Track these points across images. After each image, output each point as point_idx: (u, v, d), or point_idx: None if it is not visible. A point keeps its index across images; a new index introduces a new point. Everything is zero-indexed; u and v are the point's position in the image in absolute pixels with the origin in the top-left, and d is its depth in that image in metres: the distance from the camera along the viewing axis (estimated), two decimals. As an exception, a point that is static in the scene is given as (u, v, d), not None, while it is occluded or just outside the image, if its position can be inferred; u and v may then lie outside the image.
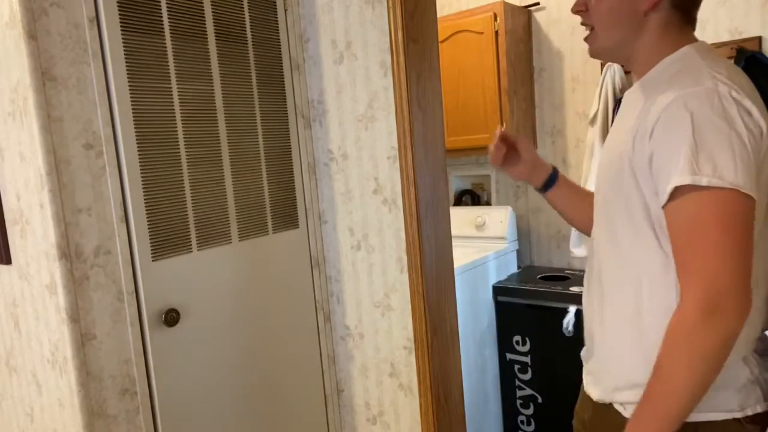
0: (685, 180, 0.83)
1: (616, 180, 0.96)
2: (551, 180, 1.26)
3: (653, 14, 0.96)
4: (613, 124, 1.06)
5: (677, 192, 0.85)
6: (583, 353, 1.16)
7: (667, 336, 0.87)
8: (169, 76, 1.52)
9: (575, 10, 1.05)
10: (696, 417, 0.91)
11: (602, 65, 2.43)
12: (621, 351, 1.00)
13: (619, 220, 0.97)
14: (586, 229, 1.25)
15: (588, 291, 1.11)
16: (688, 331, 0.84)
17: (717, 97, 0.84)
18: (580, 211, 1.25)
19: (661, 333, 0.89)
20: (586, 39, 1.06)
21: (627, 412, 0.98)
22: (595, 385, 1.08)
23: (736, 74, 0.89)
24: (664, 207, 0.88)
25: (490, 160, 1.26)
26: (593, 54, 1.06)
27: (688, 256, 0.85)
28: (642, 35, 0.98)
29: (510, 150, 1.27)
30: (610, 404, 1.03)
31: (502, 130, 1.24)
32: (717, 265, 0.83)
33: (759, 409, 0.93)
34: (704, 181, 0.82)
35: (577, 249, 2.49)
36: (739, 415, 0.92)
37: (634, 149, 0.91)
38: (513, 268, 2.76)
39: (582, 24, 1.06)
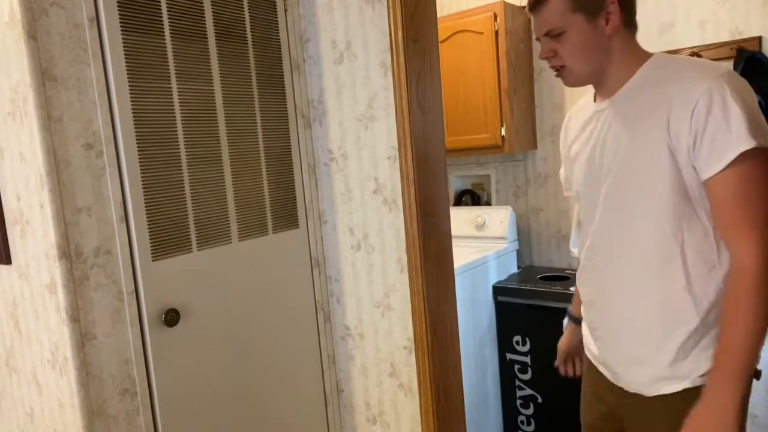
0: (749, 144, 0.96)
1: (648, 167, 1.06)
2: (579, 320, 1.44)
3: (615, 36, 1.10)
4: (610, 130, 1.14)
5: (738, 158, 0.97)
6: (600, 348, 1.25)
7: (737, 286, 1.00)
8: (169, 76, 1.52)
9: (543, 57, 1.15)
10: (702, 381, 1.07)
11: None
12: (671, 326, 1.09)
13: (655, 202, 1.07)
14: None
15: (612, 283, 1.17)
16: (758, 278, 0.97)
17: (738, 78, 1.01)
18: None
19: (710, 296, 1.05)
20: (558, 75, 1.17)
21: (681, 384, 1.09)
22: (633, 373, 1.16)
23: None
24: (715, 176, 1.00)
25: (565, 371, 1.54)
26: (571, 85, 1.18)
27: (744, 214, 0.99)
28: (611, 55, 1.12)
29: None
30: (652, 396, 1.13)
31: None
32: None
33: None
34: (763, 144, 0.97)
35: (577, 249, 2.49)
36: None
37: (671, 134, 1.03)
38: (513, 268, 2.76)
39: (551, 67, 1.16)
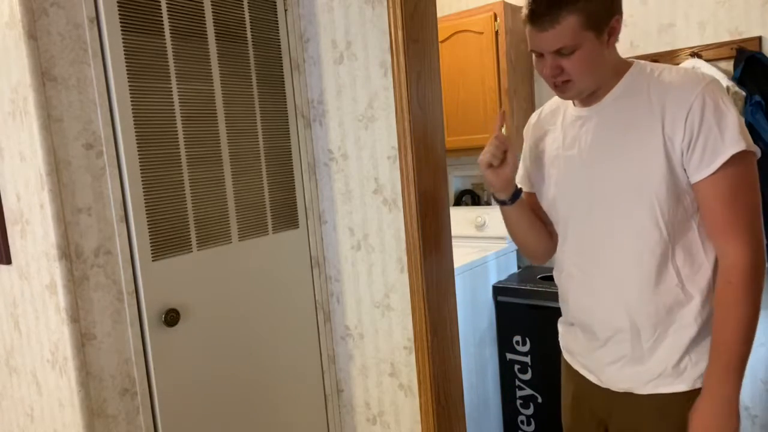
0: (740, 147, 1.01)
1: (642, 171, 1.08)
2: (518, 194, 1.32)
3: (612, 47, 1.12)
4: (598, 136, 1.15)
5: (729, 161, 1.02)
6: (589, 350, 1.24)
7: (729, 283, 1.05)
8: (169, 76, 1.52)
9: (552, 75, 1.11)
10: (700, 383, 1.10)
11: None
12: (666, 325, 1.12)
13: (650, 205, 1.09)
14: (528, 247, 1.39)
15: (606, 286, 1.17)
16: (749, 274, 1.03)
17: (722, 85, 1.07)
18: (530, 230, 1.36)
19: (702, 294, 1.09)
20: (558, 88, 1.13)
21: (679, 386, 1.11)
22: (626, 373, 1.16)
23: None
24: (707, 177, 1.04)
25: (487, 158, 1.25)
26: (570, 98, 1.17)
27: (735, 214, 1.04)
28: (609, 66, 1.13)
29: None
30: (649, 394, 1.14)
31: (502, 132, 1.26)
32: (758, 217, 1.05)
33: None
34: (752, 148, 1.03)
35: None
36: None
37: (666, 138, 1.06)
38: (513, 268, 2.76)
39: (554, 83, 1.12)
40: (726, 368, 1.05)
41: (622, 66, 1.14)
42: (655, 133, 1.06)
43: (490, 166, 1.25)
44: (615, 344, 1.18)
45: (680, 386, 1.11)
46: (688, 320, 1.10)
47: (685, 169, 1.06)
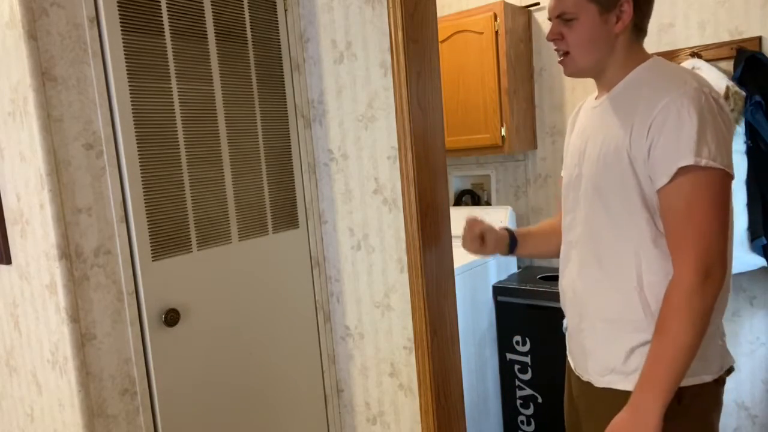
0: (688, 161, 0.99)
1: (612, 170, 1.10)
2: (513, 242, 1.45)
3: (621, 35, 1.13)
4: (595, 129, 1.17)
5: (679, 173, 1.00)
6: (567, 336, 1.29)
7: (669, 300, 1.02)
8: (169, 76, 1.52)
9: (551, 38, 1.18)
10: (686, 381, 1.07)
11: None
12: (621, 324, 1.12)
13: (616, 204, 1.10)
14: (555, 255, 1.42)
15: (579, 276, 1.21)
16: (689, 295, 1.00)
17: (704, 96, 1.02)
18: (545, 246, 1.45)
19: (659, 299, 1.06)
20: (561, 62, 1.19)
21: (629, 384, 1.10)
22: (585, 364, 1.20)
23: (702, 78, 1.08)
24: (662, 188, 1.03)
25: (468, 247, 1.45)
26: (570, 74, 1.21)
27: (684, 230, 1.02)
28: (614, 53, 1.14)
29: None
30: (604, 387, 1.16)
31: (475, 225, 1.44)
32: (710, 238, 1.00)
33: (724, 370, 1.13)
34: (703, 162, 0.99)
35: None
36: (716, 376, 1.11)
37: (631, 143, 1.06)
38: (513, 268, 2.76)
39: (556, 50, 1.19)
40: (655, 386, 1.02)
41: (637, 59, 1.13)
42: (625, 136, 1.07)
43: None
44: (577, 334, 1.22)
45: (629, 386, 1.11)
46: (642, 325, 1.09)
47: (650, 178, 1.06)
